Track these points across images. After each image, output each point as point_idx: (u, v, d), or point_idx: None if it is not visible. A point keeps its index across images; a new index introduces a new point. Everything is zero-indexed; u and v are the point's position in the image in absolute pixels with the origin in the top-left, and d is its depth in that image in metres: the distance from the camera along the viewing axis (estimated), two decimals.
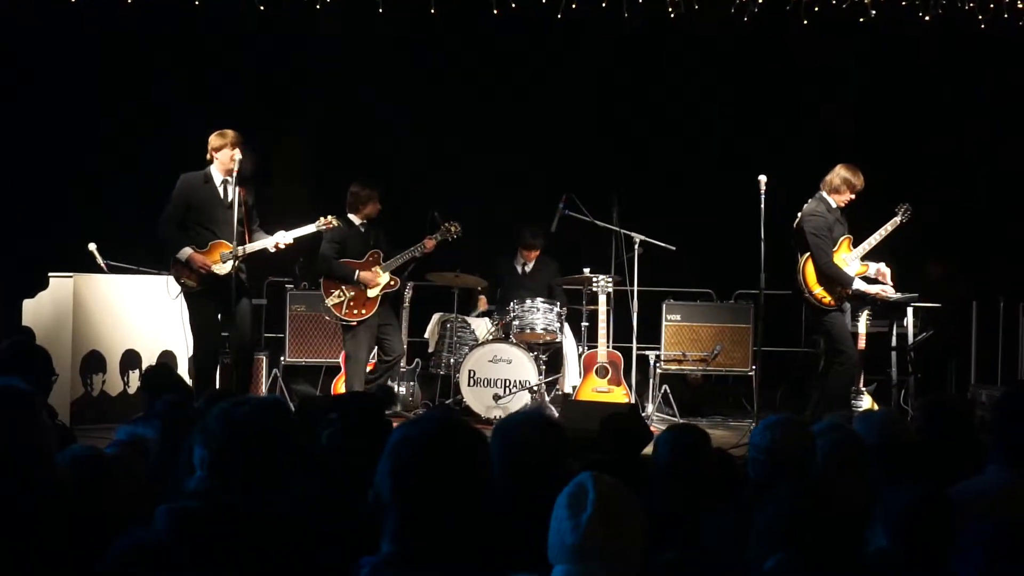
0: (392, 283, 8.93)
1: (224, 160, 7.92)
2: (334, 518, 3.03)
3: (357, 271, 8.82)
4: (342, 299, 8.81)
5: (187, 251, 7.85)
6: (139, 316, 9.01)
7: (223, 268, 7.86)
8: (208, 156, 7.99)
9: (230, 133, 7.95)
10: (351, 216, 8.93)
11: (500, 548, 2.83)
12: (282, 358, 10.21)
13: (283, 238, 8.06)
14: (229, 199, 7.93)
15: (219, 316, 8.03)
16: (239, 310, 7.98)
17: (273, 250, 8.10)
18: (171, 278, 8.01)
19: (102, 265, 9.11)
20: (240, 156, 7.89)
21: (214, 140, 7.95)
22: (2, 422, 2.85)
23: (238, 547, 2.44)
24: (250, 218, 8.09)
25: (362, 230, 9.00)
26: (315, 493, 3.19)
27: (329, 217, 8.29)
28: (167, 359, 9.00)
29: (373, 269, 8.86)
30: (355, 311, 8.82)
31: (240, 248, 7.89)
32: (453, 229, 8.97)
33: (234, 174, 7.93)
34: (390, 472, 2.28)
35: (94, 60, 11.01)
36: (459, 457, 2.29)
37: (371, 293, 8.84)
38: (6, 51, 10.78)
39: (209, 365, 8.03)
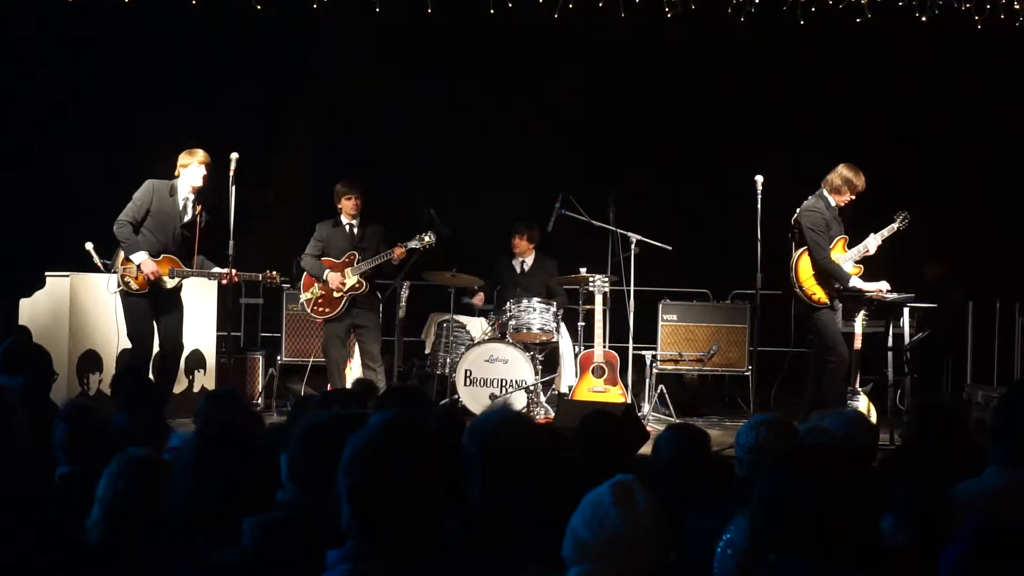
0: (358, 285, 9.06)
1: (191, 177, 8.28)
2: None
3: (327, 271, 9.06)
4: (313, 296, 9.15)
5: (143, 255, 8.18)
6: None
7: (170, 283, 8.30)
8: (176, 172, 8.33)
9: (199, 152, 8.31)
10: (342, 216, 9.17)
11: (478, 546, 2.86)
12: (278, 357, 10.20)
13: (232, 276, 8.42)
14: (188, 216, 8.35)
15: (153, 320, 8.37)
16: (171, 318, 8.40)
17: (223, 283, 8.60)
18: (114, 275, 8.32)
19: (99, 264, 9.06)
20: (206, 173, 8.27)
21: (183, 157, 8.33)
22: None
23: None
24: (200, 239, 8.41)
25: (347, 230, 9.18)
26: None
27: (274, 272, 8.67)
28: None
29: (344, 271, 9.07)
30: (321, 309, 9.14)
31: (189, 271, 8.36)
32: (426, 240, 9.05)
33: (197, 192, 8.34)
34: (343, 465, 2.32)
35: (96, 59, 11.01)
36: (411, 456, 2.29)
37: (336, 294, 9.04)
38: (8, 49, 10.80)
39: (142, 363, 8.29)
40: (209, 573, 2.79)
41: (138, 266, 8.17)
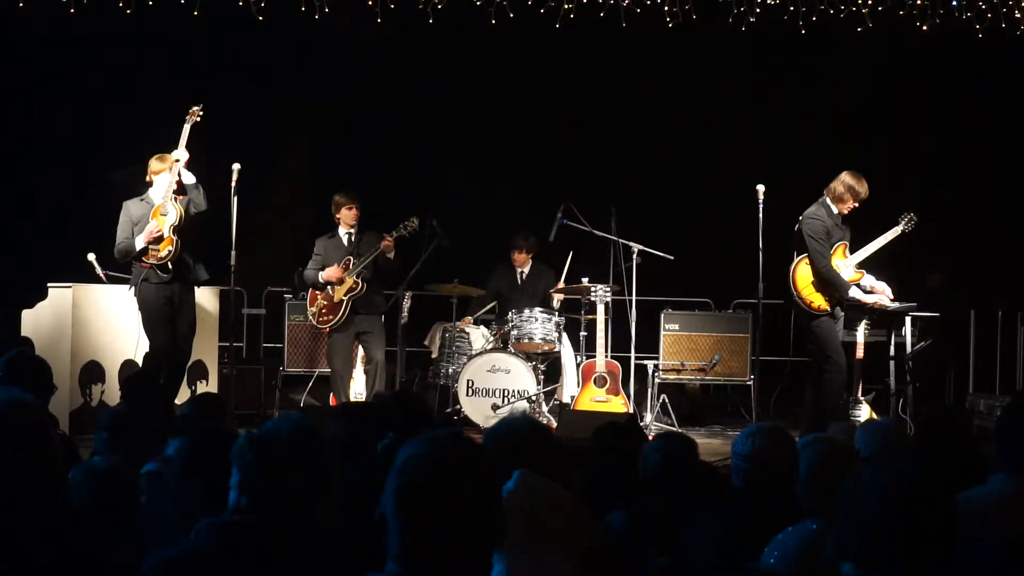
0: (355, 286, 9.09)
1: (164, 182, 8.23)
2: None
3: (323, 273, 9.10)
4: (318, 308, 9.15)
5: (140, 238, 8.17)
6: (138, 326, 8.97)
7: (171, 216, 8.15)
8: (148, 178, 8.32)
9: (169, 157, 8.25)
10: (340, 228, 9.22)
11: None
12: (281, 368, 10.20)
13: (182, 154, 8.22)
14: (172, 216, 8.26)
15: (170, 324, 8.32)
16: (181, 324, 8.35)
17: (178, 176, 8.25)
18: (134, 277, 8.32)
19: (101, 275, 9.09)
20: (178, 177, 8.21)
21: (154, 163, 8.31)
22: (14, 437, 2.77)
23: (281, 558, 2.42)
24: (189, 227, 8.33)
25: (343, 239, 9.20)
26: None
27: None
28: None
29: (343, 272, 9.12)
30: (325, 317, 9.14)
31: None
32: (410, 225, 9.11)
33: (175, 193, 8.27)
34: (395, 491, 2.25)
35: (97, 68, 11.02)
36: (467, 479, 2.25)
37: (336, 297, 9.05)
38: (9, 56, 10.83)
39: (160, 361, 8.27)
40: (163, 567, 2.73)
41: (143, 249, 8.14)
